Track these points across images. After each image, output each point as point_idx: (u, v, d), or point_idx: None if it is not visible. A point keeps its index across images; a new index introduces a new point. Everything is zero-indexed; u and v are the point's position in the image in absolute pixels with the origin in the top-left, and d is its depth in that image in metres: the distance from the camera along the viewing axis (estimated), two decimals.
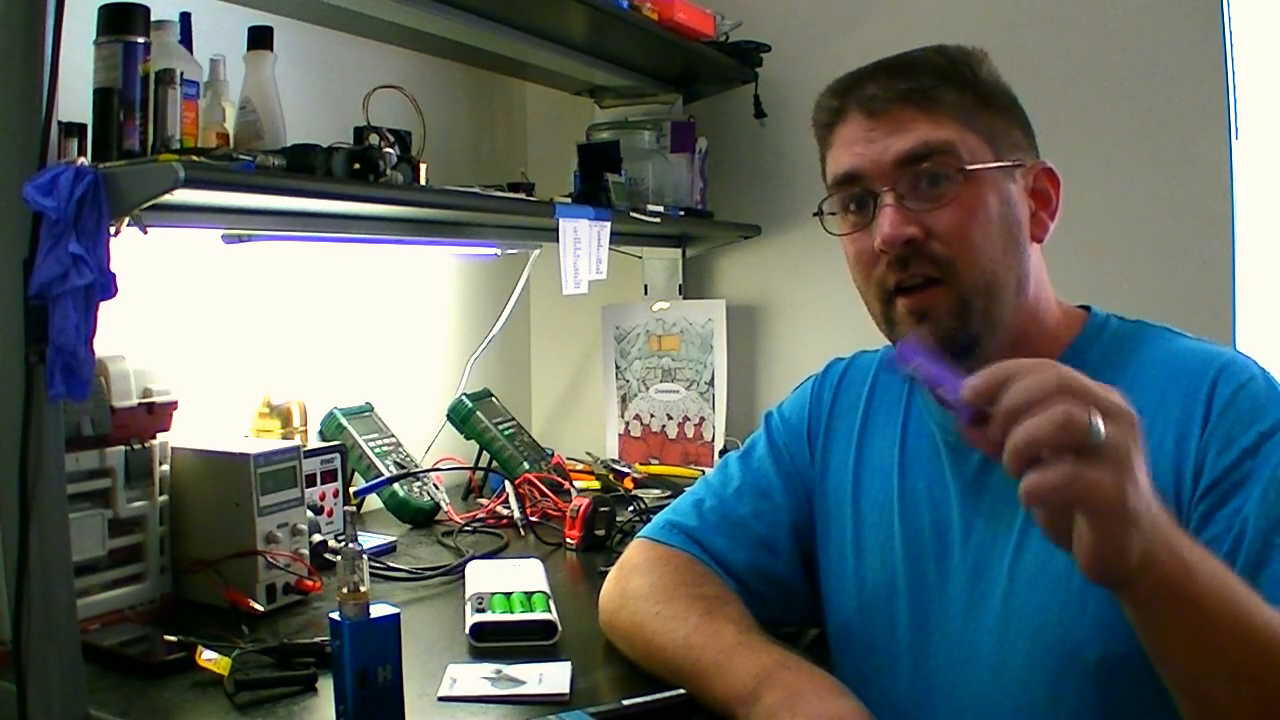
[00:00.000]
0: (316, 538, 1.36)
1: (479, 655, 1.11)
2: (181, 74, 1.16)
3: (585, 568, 1.49)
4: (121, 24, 1.11)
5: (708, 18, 2.00)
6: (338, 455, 1.57)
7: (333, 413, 1.75)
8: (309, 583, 1.28)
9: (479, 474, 1.95)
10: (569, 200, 1.81)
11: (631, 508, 1.73)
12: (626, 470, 2.03)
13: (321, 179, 1.25)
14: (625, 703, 0.95)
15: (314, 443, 1.69)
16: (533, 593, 1.21)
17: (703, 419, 2.20)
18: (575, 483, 1.93)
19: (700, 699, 0.94)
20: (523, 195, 1.68)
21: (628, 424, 2.26)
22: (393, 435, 1.80)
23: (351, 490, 1.66)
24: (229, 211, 1.42)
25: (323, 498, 1.52)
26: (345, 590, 0.88)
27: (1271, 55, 1.79)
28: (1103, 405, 0.69)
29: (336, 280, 1.86)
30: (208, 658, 1.03)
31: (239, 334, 1.65)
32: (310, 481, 1.47)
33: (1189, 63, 1.81)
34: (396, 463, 1.75)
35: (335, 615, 0.88)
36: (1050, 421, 0.68)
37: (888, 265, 0.94)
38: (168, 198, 1.01)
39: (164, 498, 1.25)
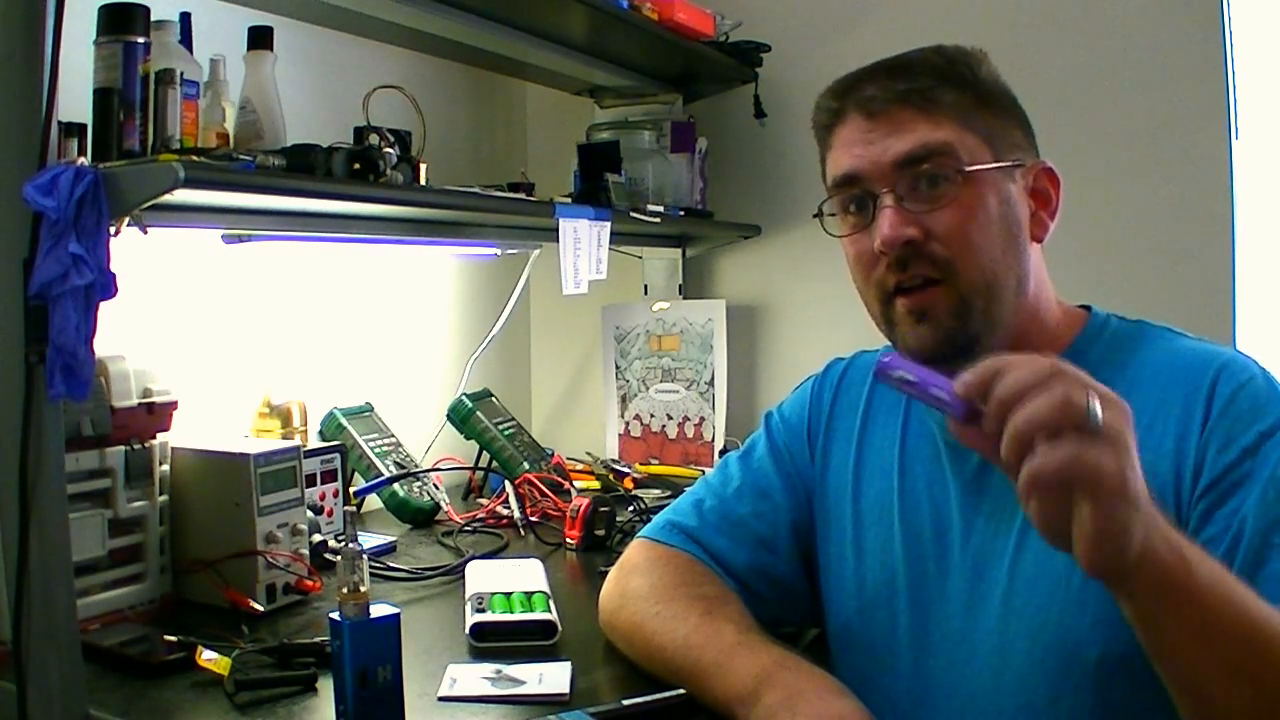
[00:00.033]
0: (316, 538, 1.36)
1: (479, 655, 1.11)
2: (181, 74, 1.16)
3: (585, 568, 1.49)
4: (121, 24, 1.11)
5: (708, 18, 2.00)
6: (338, 455, 1.57)
7: (333, 413, 1.75)
8: (309, 583, 1.28)
9: (479, 474, 1.95)
10: (569, 200, 1.81)
11: (631, 508, 1.73)
12: (626, 470, 2.03)
13: (321, 179, 1.25)
14: (625, 703, 0.95)
15: (314, 443, 1.69)
16: (533, 593, 1.21)
17: (703, 419, 2.20)
18: (575, 483, 1.93)
19: (700, 699, 0.94)
20: (523, 195, 1.68)
21: (628, 424, 2.26)
22: (393, 435, 1.80)
23: (351, 490, 1.66)
24: (229, 211, 1.42)
25: (323, 498, 1.52)
26: (345, 590, 0.88)
27: (1271, 55, 1.79)
28: (1097, 391, 0.69)
29: (336, 280, 1.86)
30: (208, 658, 1.03)
31: (239, 334, 1.65)
32: (310, 481, 1.47)
33: (1189, 63, 1.81)
34: (396, 463, 1.75)
35: (335, 615, 0.88)
36: (1049, 403, 0.68)
37: (887, 266, 0.94)
38: (168, 198, 1.01)
39: (164, 498, 1.25)
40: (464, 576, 1.33)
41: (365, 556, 0.89)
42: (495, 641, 1.13)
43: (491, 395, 2.06)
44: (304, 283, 1.78)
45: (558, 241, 1.68)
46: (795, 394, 1.20)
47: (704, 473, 1.31)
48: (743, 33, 2.07)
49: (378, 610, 0.89)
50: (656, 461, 2.19)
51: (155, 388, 1.23)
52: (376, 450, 1.74)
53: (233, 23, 1.40)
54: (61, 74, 0.94)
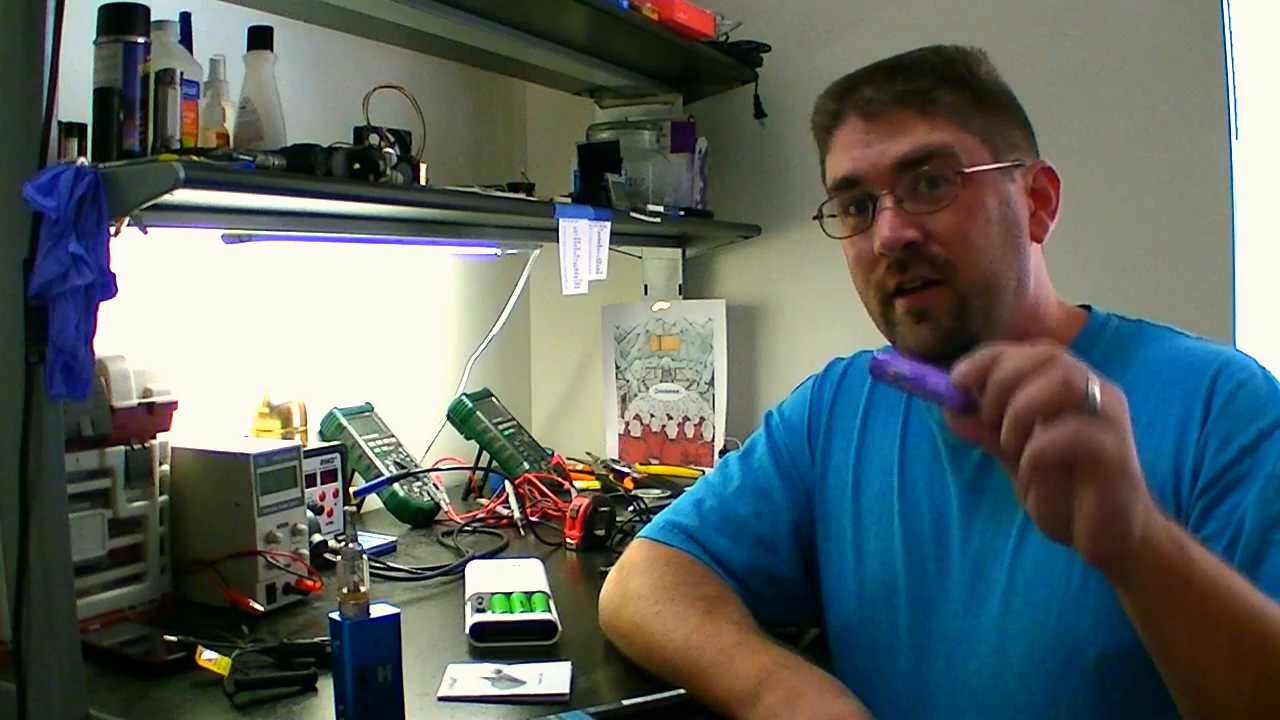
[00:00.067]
0: (316, 538, 1.36)
1: (479, 655, 1.11)
2: (181, 74, 1.16)
3: (585, 568, 1.49)
4: (121, 24, 1.11)
5: (708, 18, 2.00)
6: (338, 455, 1.57)
7: (333, 413, 1.75)
8: (309, 583, 1.28)
9: (479, 474, 1.95)
10: (569, 200, 1.81)
11: (631, 508, 1.73)
12: (626, 470, 2.03)
13: (321, 179, 1.25)
14: (625, 703, 0.95)
15: (314, 443, 1.69)
16: (533, 593, 1.21)
17: (703, 419, 2.20)
18: (575, 483, 1.93)
19: (700, 699, 0.94)
20: (523, 195, 1.68)
21: (628, 424, 2.26)
22: (393, 435, 1.80)
23: (351, 490, 1.66)
24: (229, 211, 1.42)
25: (323, 498, 1.52)
26: (345, 590, 0.88)
27: (1271, 55, 1.79)
28: (1094, 376, 0.70)
29: (336, 280, 1.86)
30: (208, 658, 1.03)
31: (239, 334, 1.65)
32: (310, 481, 1.47)
33: (1189, 63, 1.81)
34: (396, 463, 1.75)
35: (335, 615, 0.88)
36: (1048, 384, 0.68)
37: (887, 268, 0.94)
38: (168, 198, 1.01)
39: (164, 498, 1.25)
40: (464, 576, 1.33)
41: (365, 556, 0.89)
42: (495, 641, 1.13)
43: (491, 395, 2.05)
44: (304, 283, 1.78)
45: (558, 241, 1.68)
46: (795, 394, 1.20)
47: (704, 473, 1.31)
48: (743, 33, 2.07)
49: (378, 610, 0.89)
50: (656, 461, 2.19)
51: (155, 388, 1.23)
52: (376, 450, 1.74)
53: (233, 23, 1.40)
54: (61, 74, 0.94)
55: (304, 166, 1.23)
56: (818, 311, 2.16)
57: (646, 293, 2.35)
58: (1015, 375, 0.70)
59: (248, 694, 0.99)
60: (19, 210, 0.93)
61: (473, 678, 1.03)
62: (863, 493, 1.08)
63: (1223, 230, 1.80)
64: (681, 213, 2.03)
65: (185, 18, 1.25)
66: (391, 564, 1.45)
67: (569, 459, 2.10)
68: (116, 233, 1.00)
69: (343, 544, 0.91)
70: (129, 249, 1.01)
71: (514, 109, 2.34)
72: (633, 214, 1.85)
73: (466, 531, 1.67)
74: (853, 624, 1.06)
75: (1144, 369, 0.94)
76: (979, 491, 0.98)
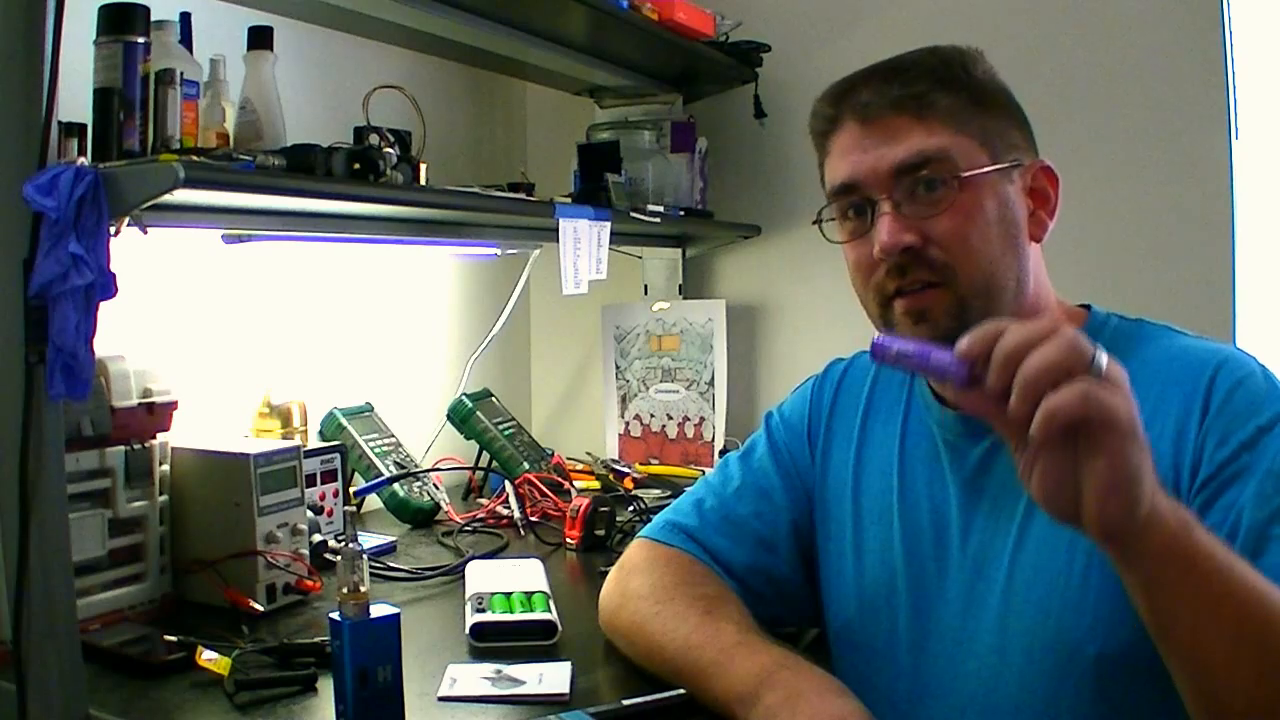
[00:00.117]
0: (316, 538, 1.36)
1: (479, 655, 1.11)
2: (181, 74, 1.16)
3: (585, 568, 1.49)
4: (121, 24, 1.11)
5: (708, 18, 2.00)
6: (338, 455, 1.57)
7: (333, 413, 1.75)
8: (309, 583, 1.28)
9: (479, 474, 1.95)
10: (569, 200, 1.81)
11: (631, 508, 1.73)
12: (626, 470, 2.03)
13: (321, 179, 1.25)
14: (625, 703, 0.95)
15: (314, 443, 1.69)
16: (533, 593, 1.21)
17: (703, 419, 2.20)
18: (575, 483, 1.93)
19: (700, 699, 0.94)
20: (523, 195, 1.68)
21: (628, 424, 2.26)
22: (393, 435, 1.80)
23: (351, 490, 1.66)
24: (229, 211, 1.42)
25: (323, 498, 1.52)
26: (345, 590, 0.88)
27: (1271, 55, 1.79)
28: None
29: (336, 280, 1.86)
30: (208, 658, 1.03)
31: (239, 334, 1.65)
32: (310, 481, 1.47)
33: (1189, 63, 1.81)
34: (396, 463, 1.75)
35: (335, 615, 0.88)
36: (1058, 347, 0.69)
37: (886, 272, 0.94)
38: (168, 198, 1.01)
39: (164, 498, 1.25)
40: (464, 576, 1.33)
41: (365, 556, 0.89)
42: (495, 641, 1.13)
43: (491, 395, 2.06)
44: (304, 283, 1.78)
45: (558, 241, 1.68)
46: (795, 394, 1.20)
47: (704, 473, 1.31)
48: (743, 33, 2.07)
49: (378, 610, 0.89)
50: (656, 461, 2.19)
51: (155, 388, 1.23)
52: (376, 450, 1.74)
53: (233, 23, 1.40)
54: (61, 74, 0.94)
55: (304, 166, 1.23)
56: (818, 311, 2.16)
57: (646, 293, 2.35)
58: (1022, 344, 0.70)
59: (248, 694, 0.99)
60: (19, 210, 0.93)
61: (473, 678, 1.03)
62: (862, 493, 1.08)
63: (1223, 230, 1.80)
64: (681, 213, 2.03)
65: (185, 18, 1.25)
66: (391, 564, 1.45)
67: (569, 459, 2.10)
68: (116, 233, 1.00)
69: (343, 544, 0.91)
70: (129, 249, 1.01)
71: (514, 109, 2.34)
72: (633, 214, 1.85)
73: (466, 531, 1.67)
74: (852, 624, 1.06)
75: (1143, 367, 0.94)
76: (978, 491, 0.98)
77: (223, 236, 1.48)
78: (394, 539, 1.59)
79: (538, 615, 1.16)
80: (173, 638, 1.09)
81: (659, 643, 1.00)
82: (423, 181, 1.47)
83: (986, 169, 0.94)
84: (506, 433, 1.97)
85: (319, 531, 1.38)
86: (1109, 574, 0.86)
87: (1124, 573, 0.76)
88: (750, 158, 2.22)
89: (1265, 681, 0.73)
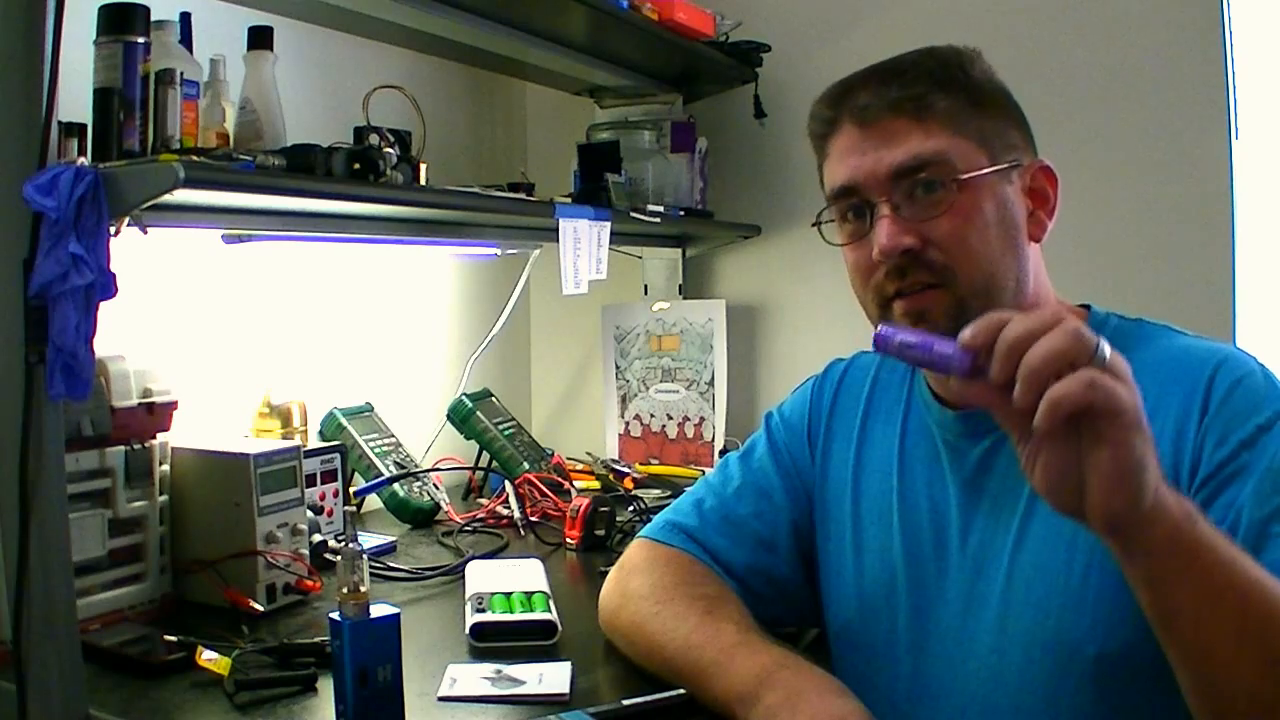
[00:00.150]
0: (316, 538, 1.36)
1: (479, 655, 1.11)
2: (181, 74, 1.16)
3: (585, 568, 1.49)
4: (121, 24, 1.11)
5: (708, 18, 2.00)
6: (338, 455, 1.57)
7: (333, 413, 1.75)
8: (309, 583, 1.28)
9: (479, 474, 1.95)
10: (569, 200, 1.81)
11: (631, 508, 1.72)
12: (626, 470, 2.03)
13: (321, 179, 1.25)
14: (625, 703, 0.95)
15: (314, 443, 1.69)
16: (533, 593, 1.21)
17: (703, 419, 2.20)
18: (575, 483, 1.93)
19: (700, 699, 0.94)
20: (523, 195, 1.68)
21: (628, 424, 2.26)
22: (393, 435, 1.80)
23: (351, 490, 1.66)
24: (229, 211, 1.42)
25: (323, 498, 1.52)
26: (345, 590, 0.88)
27: (1271, 55, 1.79)
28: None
29: (336, 280, 1.86)
30: (208, 658, 1.03)
31: (239, 334, 1.65)
32: (310, 481, 1.47)
33: (1189, 63, 1.81)
34: (396, 463, 1.75)
35: (335, 615, 0.88)
36: (1062, 337, 0.69)
37: (886, 274, 0.94)
38: (168, 198, 1.01)
39: (164, 498, 1.25)
40: (464, 576, 1.33)
41: (365, 556, 0.89)
42: (495, 641, 1.13)
43: (491, 395, 2.06)
44: (304, 283, 1.78)
45: (558, 241, 1.68)
46: (795, 394, 1.20)
47: (704, 473, 1.31)
48: (743, 33, 2.07)
49: (378, 610, 0.89)
50: (656, 461, 2.19)
51: (155, 388, 1.23)
52: (376, 450, 1.74)
53: (233, 23, 1.40)
54: (61, 74, 0.94)
55: (304, 166, 1.23)
56: (818, 311, 2.16)
57: (646, 293, 2.35)
58: (1026, 334, 0.71)
59: (248, 694, 0.99)
60: (19, 210, 0.93)
61: (473, 678, 1.03)
62: (862, 493, 1.08)
63: (1223, 230, 1.80)
64: (681, 213, 2.03)
65: (185, 18, 1.25)
66: (391, 564, 1.45)
67: (569, 459, 2.10)
68: (116, 233, 1.00)
69: (343, 544, 0.91)
70: (129, 249, 1.01)
71: (514, 109, 2.34)
72: (633, 214, 1.85)
73: (466, 531, 1.67)
74: (852, 624, 1.06)
75: (1142, 367, 0.93)
76: (978, 491, 0.98)
77: (223, 236, 1.48)
78: (394, 539, 1.59)
79: (538, 615, 1.16)
80: (173, 638, 1.09)
81: (659, 642, 1.00)
82: (423, 181, 1.47)
83: (985, 170, 0.94)
84: (506, 433, 1.97)
85: (319, 531, 1.38)
86: (1109, 574, 0.86)
87: (1127, 565, 0.76)
88: (750, 158, 2.22)
89: (1268, 676, 0.73)
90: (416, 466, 1.80)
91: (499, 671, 1.04)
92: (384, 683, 0.89)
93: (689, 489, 1.20)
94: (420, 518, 1.73)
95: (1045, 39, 1.91)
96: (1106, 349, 0.70)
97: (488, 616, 1.15)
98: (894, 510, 1.04)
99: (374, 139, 1.40)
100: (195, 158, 1.09)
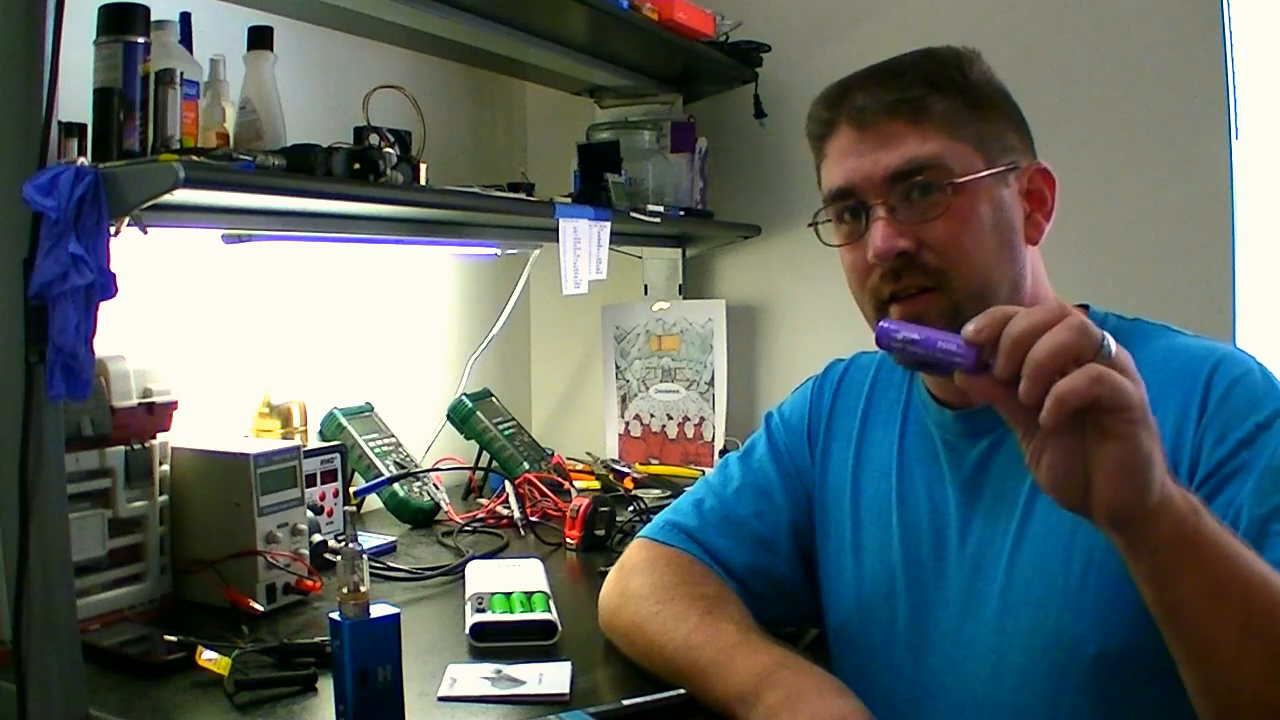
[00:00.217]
0: (316, 538, 1.36)
1: (479, 655, 1.11)
2: (181, 74, 1.16)
3: (585, 568, 1.49)
4: (121, 24, 1.11)
5: (708, 18, 2.00)
6: (338, 455, 1.57)
7: (333, 413, 1.75)
8: (309, 583, 1.28)
9: (479, 474, 1.95)
10: (569, 200, 1.81)
11: (631, 508, 1.73)
12: (626, 470, 2.03)
13: (321, 179, 1.25)
14: (625, 703, 0.95)
15: (314, 443, 1.69)
16: (533, 593, 1.21)
17: (703, 419, 2.20)
18: (575, 483, 1.93)
19: (701, 699, 0.94)
20: (523, 195, 1.68)
21: (628, 424, 2.26)
22: (393, 435, 1.80)
23: (351, 490, 1.66)
24: (229, 211, 1.42)
25: (323, 498, 1.52)
26: (345, 590, 0.88)
27: (1271, 55, 1.79)
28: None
29: (336, 280, 1.86)
30: (208, 658, 1.03)
31: (239, 334, 1.65)
32: (310, 481, 1.47)
33: (1189, 63, 1.81)
34: (396, 463, 1.75)
35: (335, 615, 0.88)
36: (1068, 330, 0.69)
37: (881, 276, 0.95)
38: (168, 198, 1.01)
39: (164, 498, 1.25)
40: (464, 576, 1.33)
41: (365, 556, 0.89)
42: (495, 641, 1.13)
43: (491, 395, 2.06)
44: (304, 283, 1.78)
45: (558, 241, 1.68)
46: (795, 395, 1.20)
47: (704, 473, 1.31)
48: (743, 33, 2.07)
49: (378, 610, 0.89)
50: (656, 461, 2.19)
51: (155, 388, 1.23)
52: (376, 450, 1.74)
53: (233, 23, 1.40)
54: (61, 74, 0.94)
55: (304, 166, 1.23)
56: (818, 311, 2.16)
57: (646, 293, 2.35)
58: (1031, 329, 0.70)
59: (248, 694, 0.99)
60: (19, 210, 0.93)
61: (473, 678, 1.03)
62: (862, 493, 1.08)
63: (1223, 230, 1.80)
64: (681, 213, 2.03)
65: (185, 18, 1.25)
66: (391, 564, 1.45)
67: (569, 459, 2.10)
68: (116, 233, 1.00)
69: (343, 544, 0.91)
70: (129, 249, 1.01)
71: (514, 109, 2.34)
72: (633, 214, 1.85)
73: (466, 531, 1.67)
74: (852, 624, 1.06)
75: (1141, 366, 0.93)
76: (977, 491, 0.98)
77: (223, 236, 1.48)
78: (394, 539, 1.59)
79: (538, 615, 1.16)
80: (173, 638, 1.09)
81: (659, 642, 1.00)
82: (423, 181, 1.47)
83: (981, 174, 0.94)
84: (506, 433, 1.97)
85: (319, 531, 1.38)
86: (1108, 573, 0.86)
87: (1132, 560, 0.76)
88: (750, 158, 2.22)
89: (1272, 672, 0.73)
90: (416, 466, 1.80)
91: (499, 671, 1.04)
92: (384, 683, 0.89)
93: (689, 489, 1.20)
94: (420, 518, 1.73)
95: (1045, 39, 1.91)
96: (1112, 344, 0.70)
97: (488, 616, 1.15)
98: (893, 510, 1.04)
99: (374, 139, 1.40)
100: (195, 158, 1.09)
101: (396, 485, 1.71)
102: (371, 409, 1.81)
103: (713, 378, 2.20)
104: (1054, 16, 1.91)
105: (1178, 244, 1.84)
